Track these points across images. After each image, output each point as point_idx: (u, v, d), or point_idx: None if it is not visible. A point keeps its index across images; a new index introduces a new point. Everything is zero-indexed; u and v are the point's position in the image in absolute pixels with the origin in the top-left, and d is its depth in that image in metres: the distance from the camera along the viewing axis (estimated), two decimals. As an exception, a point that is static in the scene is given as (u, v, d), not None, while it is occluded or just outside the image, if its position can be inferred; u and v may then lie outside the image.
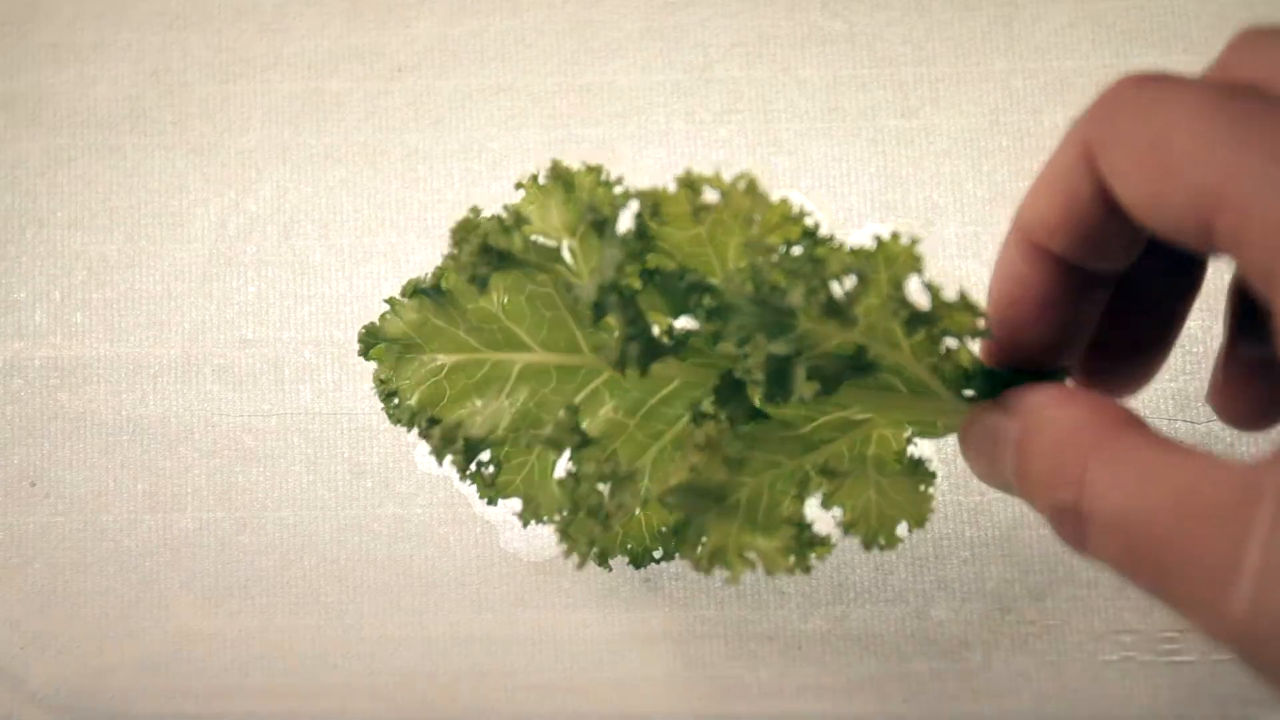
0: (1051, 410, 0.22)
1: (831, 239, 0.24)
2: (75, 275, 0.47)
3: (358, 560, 0.44)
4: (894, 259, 0.23)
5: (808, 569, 0.26)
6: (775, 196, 0.24)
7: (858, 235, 0.45)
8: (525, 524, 0.30)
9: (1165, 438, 0.20)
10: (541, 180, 0.28)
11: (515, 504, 0.31)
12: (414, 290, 0.29)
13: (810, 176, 0.46)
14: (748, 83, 0.46)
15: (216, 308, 0.46)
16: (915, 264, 0.23)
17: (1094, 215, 0.22)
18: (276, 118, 0.47)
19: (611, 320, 0.25)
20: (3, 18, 0.49)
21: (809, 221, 0.25)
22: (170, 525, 0.45)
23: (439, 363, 0.29)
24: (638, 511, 0.32)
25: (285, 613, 0.44)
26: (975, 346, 0.25)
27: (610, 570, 0.43)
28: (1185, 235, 0.19)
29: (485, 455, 0.29)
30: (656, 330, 0.25)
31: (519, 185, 0.28)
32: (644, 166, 0.46)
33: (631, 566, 0.34)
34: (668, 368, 0.27)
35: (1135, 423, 0.20)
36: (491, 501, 0.30)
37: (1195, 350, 0.43)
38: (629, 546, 0.33)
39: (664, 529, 0.33)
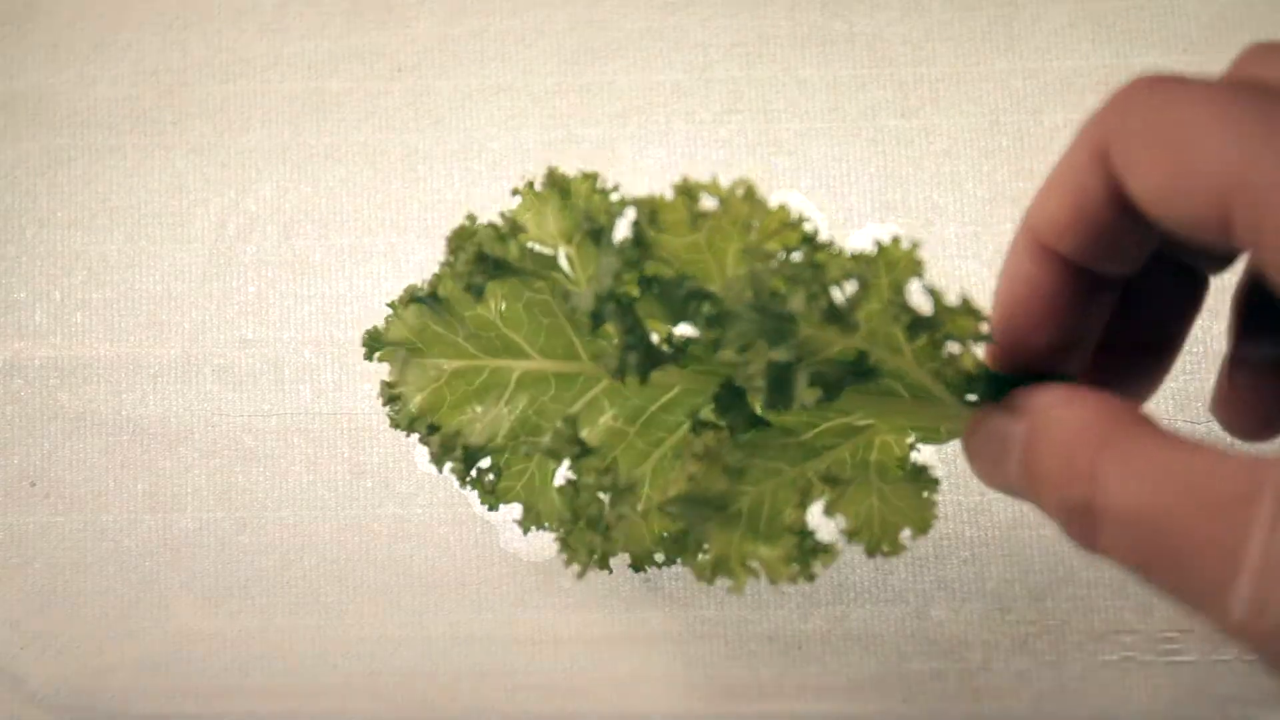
0: (1059, 409, 0.22)
1: (831, 244, 0.24)
2: (75, 275, 0.46)
3: (358, 560, 0.44)
4: (895, 263, 0.23)
5: (811, 577, 0.25)
6: (774, 201, 0.24)
7: (858, 235, 0.45)
8: (526, 531, 0.30)
9: (1174, 433, 0.20)
10: (537, 187, 0.27)
11: (516, 509, 0.31)
12: (411, 298, 0.28)
13: (810, 176, 0.46)
14: (748, 83, 0.46)
15: (216, 308, 0.46)
16: (916, 268, 0.23)
17: (1105, 216, 0.22)
18: (276, 118, 0.47)
19: (610, 328, 0.25)
20: (3, 18, 0.48)
21: (808, 227, 0.24)
22: (170, 525, 0.45)
23: (440, 368, 0.29)
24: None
25: (285, 613, 0.44)
26: (979, 351, 0.25)
27: (610, 572, 0.43)
28: (1201, 229, 0.19)
29: (485, 462, 0.29)
30: (656, 338, 0.25)
31: (515, 192, 0.28)
32: (644, 167, 0.46)
33: (632, 569, 0.34)
34: (667, 375, 0.27)
35: (1143, 419, 0.20)
36: (492, 507, 0.30)
37: (1195, 350, 0.43)
38: (630, 551, 0.33)
39: (666, 535, 0.33)
